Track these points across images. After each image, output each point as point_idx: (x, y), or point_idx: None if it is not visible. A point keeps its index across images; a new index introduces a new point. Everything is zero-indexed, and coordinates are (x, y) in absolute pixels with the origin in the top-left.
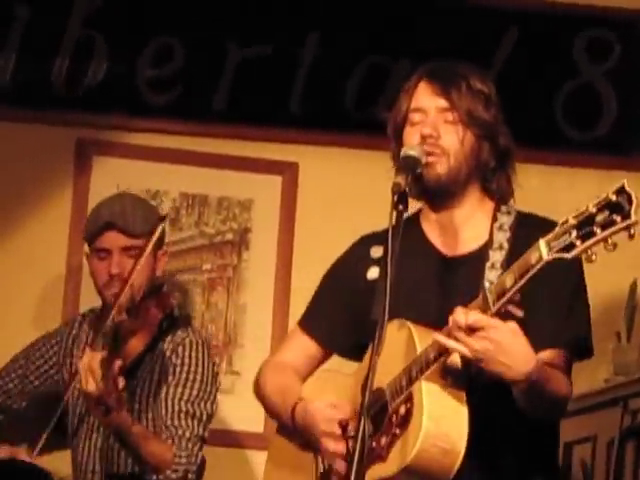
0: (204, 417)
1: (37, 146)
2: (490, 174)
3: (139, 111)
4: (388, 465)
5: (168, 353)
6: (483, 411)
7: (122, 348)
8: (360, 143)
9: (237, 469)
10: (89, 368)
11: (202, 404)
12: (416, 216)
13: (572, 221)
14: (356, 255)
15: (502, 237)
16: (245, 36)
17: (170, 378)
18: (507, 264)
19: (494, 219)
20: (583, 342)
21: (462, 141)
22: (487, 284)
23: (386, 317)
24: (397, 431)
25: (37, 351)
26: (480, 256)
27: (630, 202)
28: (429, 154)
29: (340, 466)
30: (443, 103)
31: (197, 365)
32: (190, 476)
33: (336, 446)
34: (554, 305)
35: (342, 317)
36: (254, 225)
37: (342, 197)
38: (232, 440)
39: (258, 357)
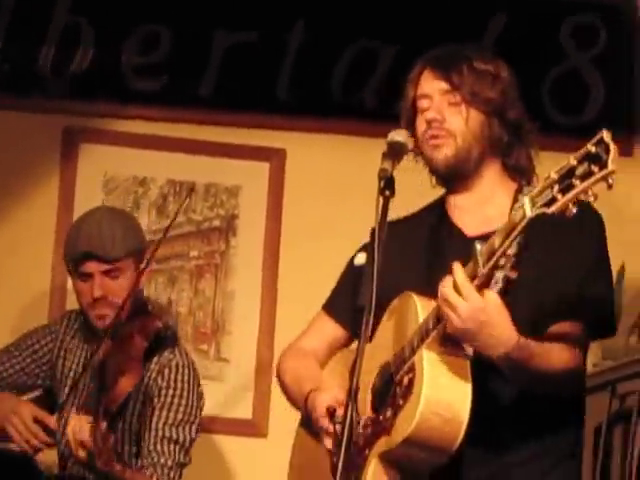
0: (187, 442)
1: (24, 134)
2: (506, 149)
3: (126, 98)
4: (392, 438)
5: (154, 374)
6: (492, 384)
7: (110, 391)
8: (347, 129)
9: (226, 456)
10: (79, 438)
11: (186, 428)
12: (442, 200)
13: (554, 175)
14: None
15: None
16: (232, 22)
17: (155, 400)
18: (524, 244)
19: (515, 200)
20: (603, 318)
21: (467, 121)
22: (478, 247)
23: (373, 303)
24: (401, 402)
25: (31, 347)
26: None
27: (608, 152)
28: (435, 137)
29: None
30: (444, 85)
31: (182, 389)
32: None
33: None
34: (576, 276)
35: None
36: (241, 212)
37: (329, 183)
38: (221, 427)
39: (246, 344)
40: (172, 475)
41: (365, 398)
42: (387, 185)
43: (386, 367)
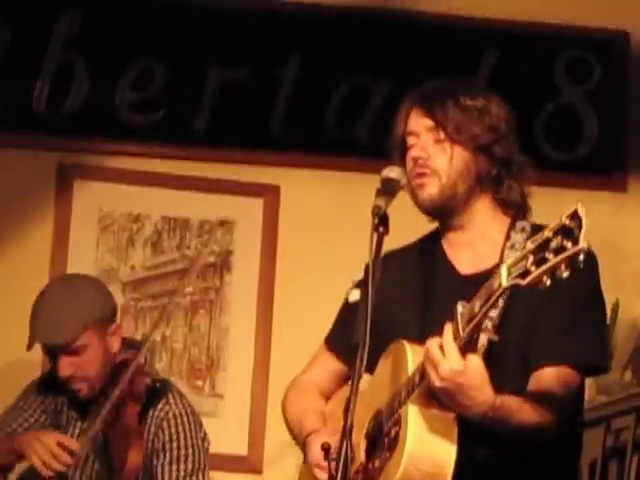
0: None
1: (18, 170)
2: (496, 184)
3: (120, 134)
4: None
5: (153, 429)
6: (477, 431)
7: (122, 470)
8: (341, 165)
9: None
10: None
11: (199, 476)
12: (437, 232)
13: (530, 246)
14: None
15: (513, 257)
16: (225, 58)
17: (161, 456)
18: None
19: (507, 238)
20: (593, 359)
21: (451, 158)
22: (460, 308)
23: (367, 339)
24: (387, 454)
25: (38, 398)
26: (490, 276)
27: (580, 227)
28: (420, 175)
29: None
30: (429, 122)
31: (186, 438)
32: None
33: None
34: (563, 319)
35: None
36: (236, 248)
37: (324, 219)
38: (216, 463)
39: (241, 380)
40: None
41: (360, 443)
42: (381, 221)
43: (378, 415)
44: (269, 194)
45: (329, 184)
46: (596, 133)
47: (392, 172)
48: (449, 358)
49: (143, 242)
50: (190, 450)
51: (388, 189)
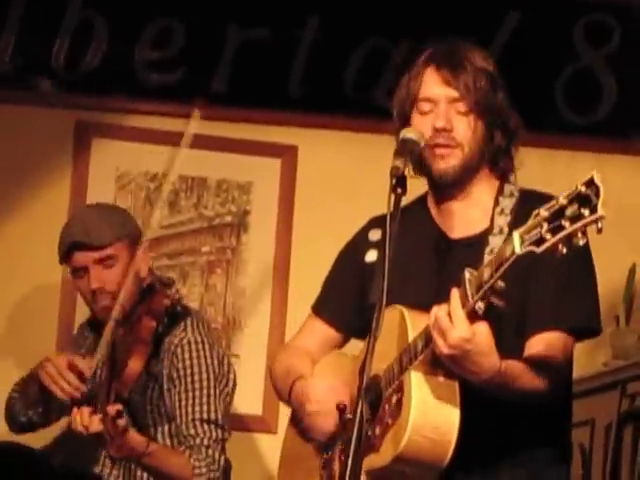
0: (219, 417)
1: (36, 128)
2: (500, 156)
3: (139, 93)
4: (381, 455)
5: (169, 355)
6: (481, 397)
7: (121, 375)
8: (359, 126)
9: (236, 451)
10: (92, 431)
11: (214, 404)
12: (424, 197)
13: (544, 213)
14: (358, 238)
15: (502, 221)
16: (245, 18)
17: (177, 383)
18: None
19: (496, 203)
20: (585, 322)
21: (474, 131)
22: (467, 275)
23: (384, 300)
24: (389, 421)
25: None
26: (480, 240)
27: (598, 195)
28: (443, 146)
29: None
30: (453, 93)
31: (200, 365)
32: None
33: (319, 420)
34: (555, 285)
35: (351, 299)
36: (253, 208)
37: (341, 180)
38: (231, 423)
39: (257, 340)
40: (210, 452)
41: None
42: (399, 182)
43: (376, 380)
44: (287, 154)
45: (347, 145)
46: (615, 97)
47: (411, 133)
48: (458, 326)
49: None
50: (205, 376)
51: (406, 150)
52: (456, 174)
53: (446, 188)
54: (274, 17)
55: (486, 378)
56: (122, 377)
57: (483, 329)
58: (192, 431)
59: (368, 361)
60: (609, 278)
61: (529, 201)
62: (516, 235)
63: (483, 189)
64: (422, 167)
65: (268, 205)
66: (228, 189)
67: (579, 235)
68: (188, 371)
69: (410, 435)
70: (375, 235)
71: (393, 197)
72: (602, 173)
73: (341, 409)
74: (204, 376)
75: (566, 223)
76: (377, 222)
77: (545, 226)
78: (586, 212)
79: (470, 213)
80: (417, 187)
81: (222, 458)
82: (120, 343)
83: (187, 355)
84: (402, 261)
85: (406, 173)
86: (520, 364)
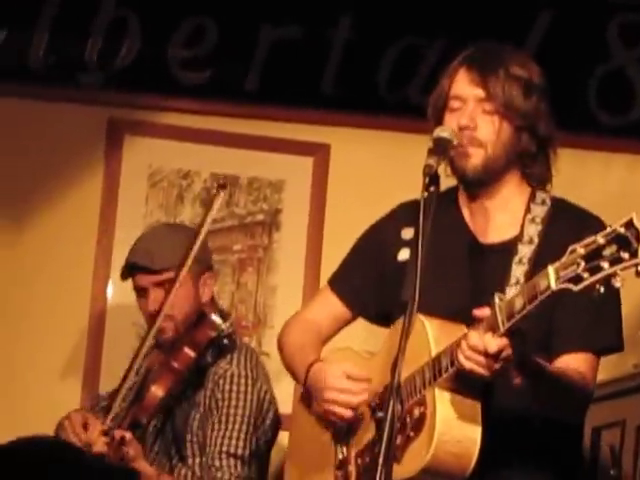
0: (246, 455)
1: (69, 125)
2: (530, 161)
3: (171, 91)
4: (403, 466)
5: (211, 385)
6: (500, 411)
7: (142, 400)
8: (392, 125)
9: None
10: (84, 440)
11: (243, 440)
12: (454, 193)
13: (580, 251)
14: (391, 228)
15: (533, 230)
16: (278, 16)
17: (214, 413)
18: (535, 259)
19: (527, 210)
20: (611, 343)
21: (498, 132)
22: (497, 300)
23: (416, 300)
24: (411, 434)
25: None
26: (510, 248)
27: (638, 240)
28: (466, 144)
29: (342, 413)
30: (480, 93)
31: (238, 399)
32: None
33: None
34: (582, 306)
35: (370, 284)
36: (285, 206)
37: (373, 179)
38: None
39: None
40: None
41: (368, 415)
42: (432, 181)
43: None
44: (319, 153)
45: (380, 144)
46: None
47: (444, 132)
48: (498, 347)
49: (192, 199)
50: (240, 411)
51: (440, 148)
52: (477, 173)
53: (474, 188)
54: (307, 16)
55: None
56: (143, 403)
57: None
58: (217, 463)
59: (400, 360)
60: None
61: (561, 212)
62: (551, 270)
63: (514, 194)
64: (452, 165)
65: (300, 203)
66: (260, 187)
67: (617, 277)
68: (226, 403)
69: (435, 450)
70: (408, 234)
71: (426, 196)
72: (635, 174)
73: (373, 408)
74: (239, 411)
75: (604, 264)
76: (409, 217)
77: (582, 264)
78: (626, 255)
79: (500, 217)
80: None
81: None
82: (156, 369)
83: (227, 387)
84: (432, 260)
85: (440, 172)
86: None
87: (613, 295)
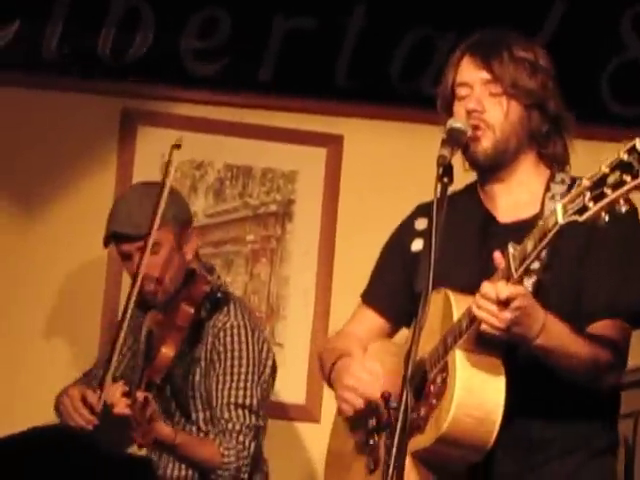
0: (254, 404)
1: (82, 115)
2: (544, 140)
3: (185, 82)
4: (425, 436)
5: (211, 339)
6: (526, 378)
7: (153, 361)
8: (405, 116)
9: (278, 440)
10: (115, 411)
11: (251, 390)
12: (474, 184)
13: (586, 183)
14: (404, 226)
15: (553, 207)
16: (291, 7)
17: (217, 366)
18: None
19: (547, 188)
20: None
21: (507, 113)
22: (511, 250)
23: (430, 289)
24: (434, 401)
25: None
26: (530, 225)
27: None
28: (475, 128)
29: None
30: (485, 75)
31: (241, 350)
32: (244, 469)
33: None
34: (610, 272)
35: (401, 287)
36: (298, 197)
37: (386, 170)
38: (274, 411)
39: (301, 329)
40: (242, 439)
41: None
42: (445, 172)
43: (421, 363)
44: (332, 144)
45: (393, 135)
46: None
47: (458, 122)
48: (505, 289)
49: (205, 189)
50: (244, 362)
51: (453, 139)
52: (488, 156)
53: (489, 172)
54: (320, 6)
55: (537, 331)
56: (154, 363)
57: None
58: (226, 415)
59: (413, 350)
60: None
61: None
62: (559, 205)
63: (531, 175)
64: (466, 155)
65: (313, 194)
66: (273, 178)
67: (621, 202)
68: (228, 355)
69: (454, 413)
70: (421, 224)
71: (440, 186)
72: None
73: (386, 398)
74: (244, 362)
75: (608, 190)
76: (423, 210)
77: (587, 195)
78: (628, 178)
79: (519, 197)
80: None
81: (253, 445)
82: (157, 330)
83: (229, 339)
84: (451, 245)
85: (458, 166)
86: (573, 329)
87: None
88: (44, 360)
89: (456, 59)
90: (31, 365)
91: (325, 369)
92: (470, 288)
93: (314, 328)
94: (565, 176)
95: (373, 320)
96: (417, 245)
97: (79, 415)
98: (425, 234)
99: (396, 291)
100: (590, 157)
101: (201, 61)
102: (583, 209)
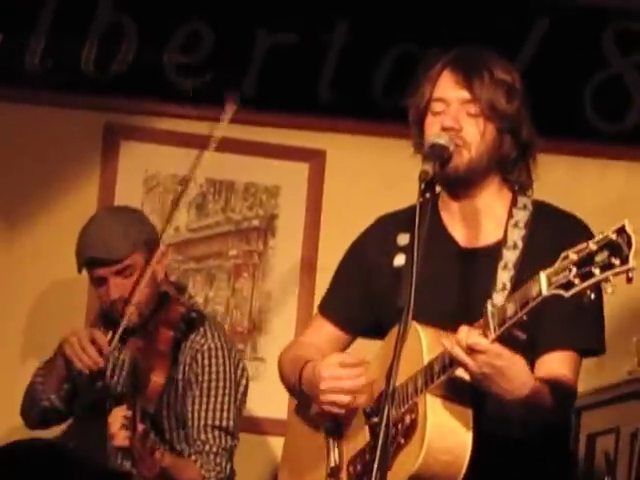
0: (230, 426)
1: (65, 130)
2: (511, 165)
3: (167, 96)
4: (393, 474)
5: (188, 360)
6: (491, 421)
7: (145, 390)
8: (387, 132)
9: (260, 455)
10: (110, 431)
11: (228, 412)
12: (433, 202)
13: (573, 257)
14: (376, 238)
15: (517, 235)
16: (274, 22)
17: (194, 387)
18: (520, 264)
19: (510, 215)
20: (595, 344)
21: (483, 134)
22: (490, 307)
23: (411, 305)
24: (402, 441)
25: None
26: (494, 253)
27: (629, 245)
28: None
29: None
30: (465, 95)
31: (218, 372)
32: None
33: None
34: (568, 308)
35: (361, 298)
36: (281, 212)
37: (369, 185)
38: (255, 426)
39: (283, 344)
40: (219, 460)
41: (361, 422)
42: (427, 187)
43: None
44: (315, 159)
45: (375, 150)
46: None
47: (440, 138)
48: (485, 349)
49: (188, 204)
50: (221, 384)
51: (435, 155)
52: (459, 173)
53: (454, 188)
54: (303, 22)
55: (521, 395)
56: (146, 393)
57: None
58: (203, 436)
59: (395, 366)
60: (635, 286)
61: (543, 215)
62: (543, 276)
63: (494, 199)
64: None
65: (296, 209)
66: (256, 193)
67: (608, 283)
68: (206, 377)
69: (425, 457)
70: (403, 239)
71: (421, 202)
72: (631, 182)
73: (367, 413)
74: (220, 384)
75: (596, 270)
76: (393, 224)
77: (574, 270)
78: (617, 262)
79: (482, 223)
80: None
81: (228, 466)
82: (140, 357)
83: (207, 362)
84: (419, 268)
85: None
86: (542, 383)
87: (597, 300)
88: (27, 375)
89: (435, 74)
90: (11, 379)
91: (291, 379)
92: (437, 314)
93: None
94: (527, 201)
95: (330, 331)
96: (399, 260)
97: (87, 355)
98: (407, 249)
99: (354, 303)
100: (573, 173)
101: (184, 76)
102: (569, 285)
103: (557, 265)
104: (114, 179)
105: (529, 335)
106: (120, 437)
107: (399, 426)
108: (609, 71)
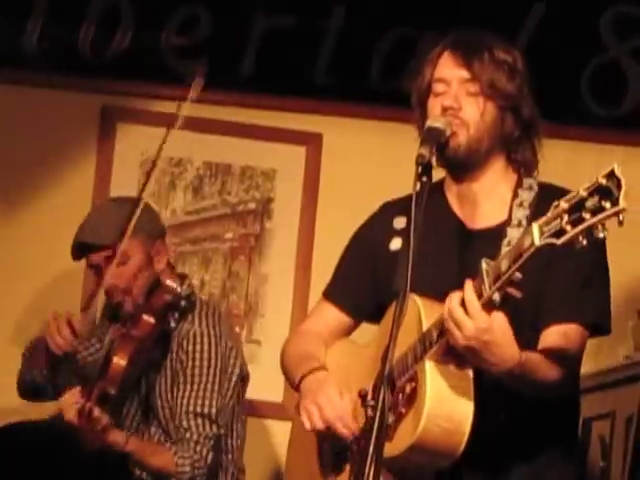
0: (212, 413)
1: (62, 112)
2: (514, 145)
3: (164, 79)
4: (394, 444)
5: (175, 347)
6: (494, 388)
7: (107, 372)
8: (384, 115)
9: (255, 438)
10: (61, 409)
11: (209, 399)
12: (440, 184)
13: (564, 205)
14: (379, 223)
15: (521, 214)
16: (272, 5)
17: (180, 374)
18: None
19: (515, 195)
20: (600, 319)
21: (483, 113)
22: (484, 265)
23: (408, 289)
24: (403, 410)
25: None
26: (499, 233)
27: (619, 188)
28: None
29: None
30: (465, 74)
31: (202, 359)
32: (198, 479)
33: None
34: (574, 279)
35: (366, 283)
36: (277, 195)
37: (365, 168)
38: (251, 409)
39: (279, 326)
40: (199, 449)
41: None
42: (424, 171)
43: (390, 370)
44: (312, 142)
45: (372, 133)
46: None
47: (437, 122)
48: (474, 316)
49: (184, 187)
50: (205, 371)
51: (432, 138)
52: (459, 153)
53: (459, 171)
54: (300, 5)
55: (506, 370)
56: (108, 374)
57: (501, 319)
58: (184, 423)
59: (391, 348)
60: (631, 271)
61: (548, 195)
62: (535, 227)
63: (500, 180)
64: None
65: (292, 193)
66: (252, 176)
67: (599, 227)
68: (189, 363)
69: (425, 424)
70: (400, 223)
71: (418, 185)
72: (629, 167)
73: (362, 396)
74: (204, 370)
75: (587, 215)
76: (398, 209)
77: (565, 218)
78: (607, 205)
79: (487, 203)
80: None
81: (210, 454)
82: (117, 342)
83: (191, 347)
84: (425, 247)
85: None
86: (538, 355)
87: (606, 273)
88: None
89: (435, 55)
90: (6, 359)
91: (294, 375)
92: (440, 294)
93: (292, 326)
94: (533, 182)
95: (334, 316)
96: (396, 244)
97: (60, 335)
98: (404, 233)
99: (360, 287)
100: (570, 157)
101: (181, 58)
102: (560, 232)
103: (549, 215)
104: (111, 161)
105: (535, 311)
106: (70, 412)
107: (400, 396)
108: (606, 56)
